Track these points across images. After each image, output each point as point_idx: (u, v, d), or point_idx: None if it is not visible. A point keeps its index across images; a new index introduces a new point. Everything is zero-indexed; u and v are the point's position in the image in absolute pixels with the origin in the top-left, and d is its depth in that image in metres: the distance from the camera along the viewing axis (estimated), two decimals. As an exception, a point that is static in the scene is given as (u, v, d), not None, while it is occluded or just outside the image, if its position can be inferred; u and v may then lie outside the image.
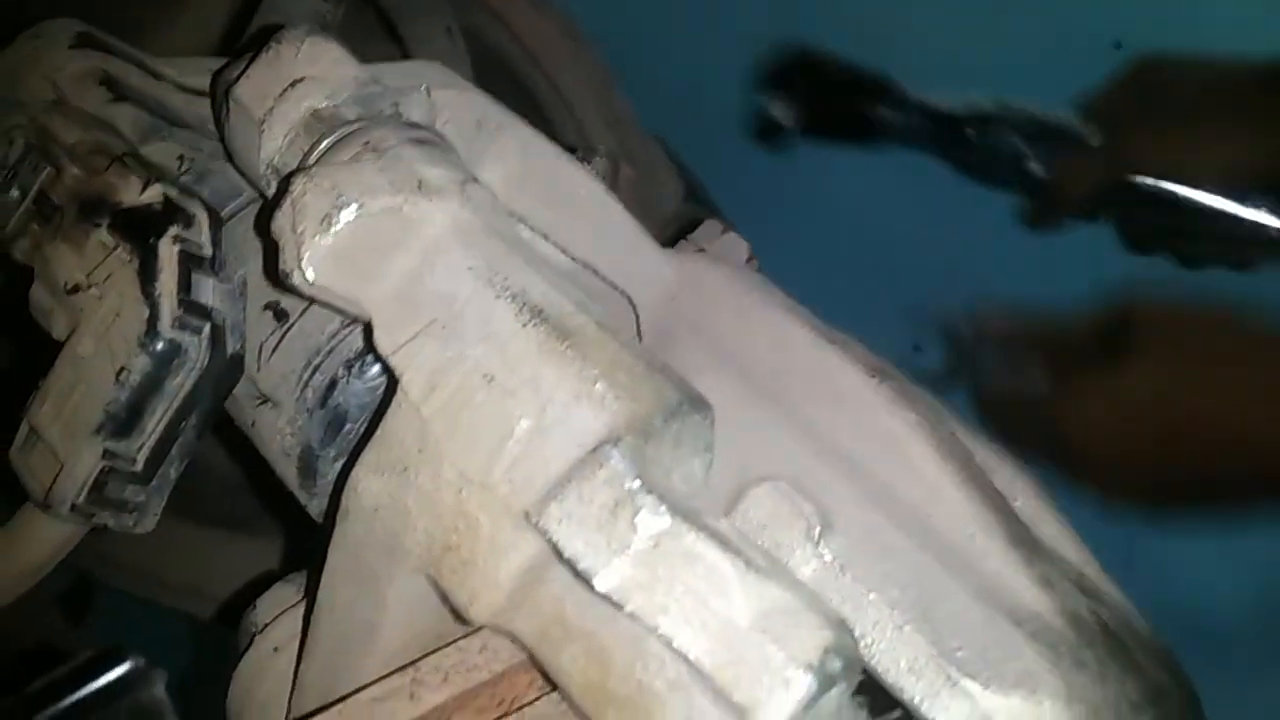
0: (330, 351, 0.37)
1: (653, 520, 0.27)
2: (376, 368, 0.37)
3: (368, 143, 0.33)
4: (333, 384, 0.36)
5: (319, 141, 0.34)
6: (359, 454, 0.36)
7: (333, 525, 0.33)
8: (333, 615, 0.33)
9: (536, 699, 0.31)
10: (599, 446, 0.28)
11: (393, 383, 0.32)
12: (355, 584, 0.32)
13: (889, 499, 0.34)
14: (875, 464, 0.35)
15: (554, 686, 0.31)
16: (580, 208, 0.40)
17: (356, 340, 0.37)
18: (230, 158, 0.37)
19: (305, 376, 0.37)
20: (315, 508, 0.38)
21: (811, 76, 0.88)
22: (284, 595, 0.40)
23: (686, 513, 0.27)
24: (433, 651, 0.31)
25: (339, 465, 0.37)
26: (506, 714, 0.30)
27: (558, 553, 0.28)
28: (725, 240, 0.48)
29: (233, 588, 0.59)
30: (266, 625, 0.39)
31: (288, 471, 0.38)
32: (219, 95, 0.37)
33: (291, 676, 0.36)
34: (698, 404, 0.30)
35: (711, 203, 0.70)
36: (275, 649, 0.37)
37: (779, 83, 0.98)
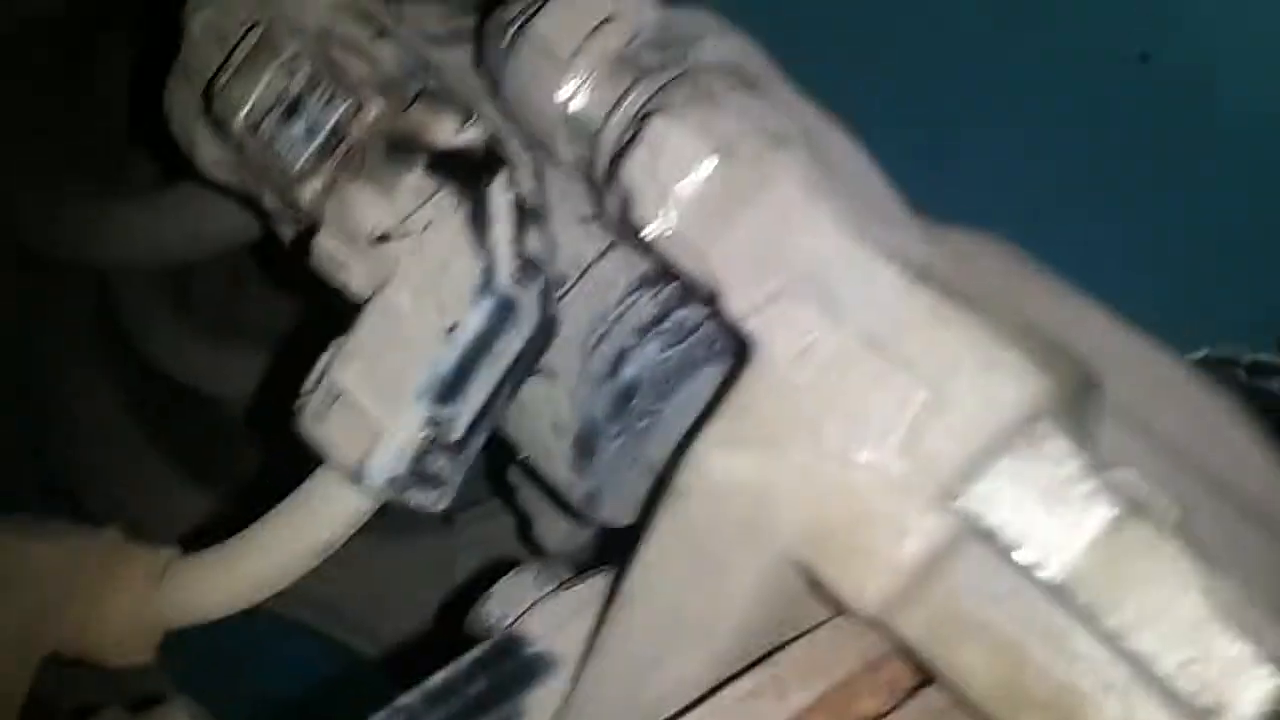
0: (619, 318, 0.34)
1: (1108, 503, 0.24)
2: (666, 337, 0.34)
3: (699, 87, 0.30)
4: (622, 353, 0.33)
5: (632, 85, 0.32)
6: (652, 422, 0.34)
7: (648, 505, 0.31)
8: (649, 609, 0.30)
9: (915, 690, 0.28)
10: (1031, 420, 0.25)
11: (739, 352, 0.29)
12: (690, 572, 0.29)
13: (1231, 489, 0.32)
14: (1204, 452, 0.33)
15: (919, 685, 0.28)
16: (850, 174, 0.38)
17: (646, 307, 0.34)
18: (502, 98, 0.34)
19: (591, 344, 0.34)
20: (582, 489, 0.35)
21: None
22: (521, 586, 0.37)
23: (1135, 498, 0.25)
24: (783, 645, 0.28)
25: (619, 443, 0.34)
26: (888, 711, 0.28)
27: (989, 537, 0.25)
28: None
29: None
30: (513, 619, 0.36)
31: (556, 449, 0.35)
32: (499, 33, 0.34)
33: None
34: (1096, 377, 0.28)
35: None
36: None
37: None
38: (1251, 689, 0.24)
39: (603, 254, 0.34)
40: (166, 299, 0.67)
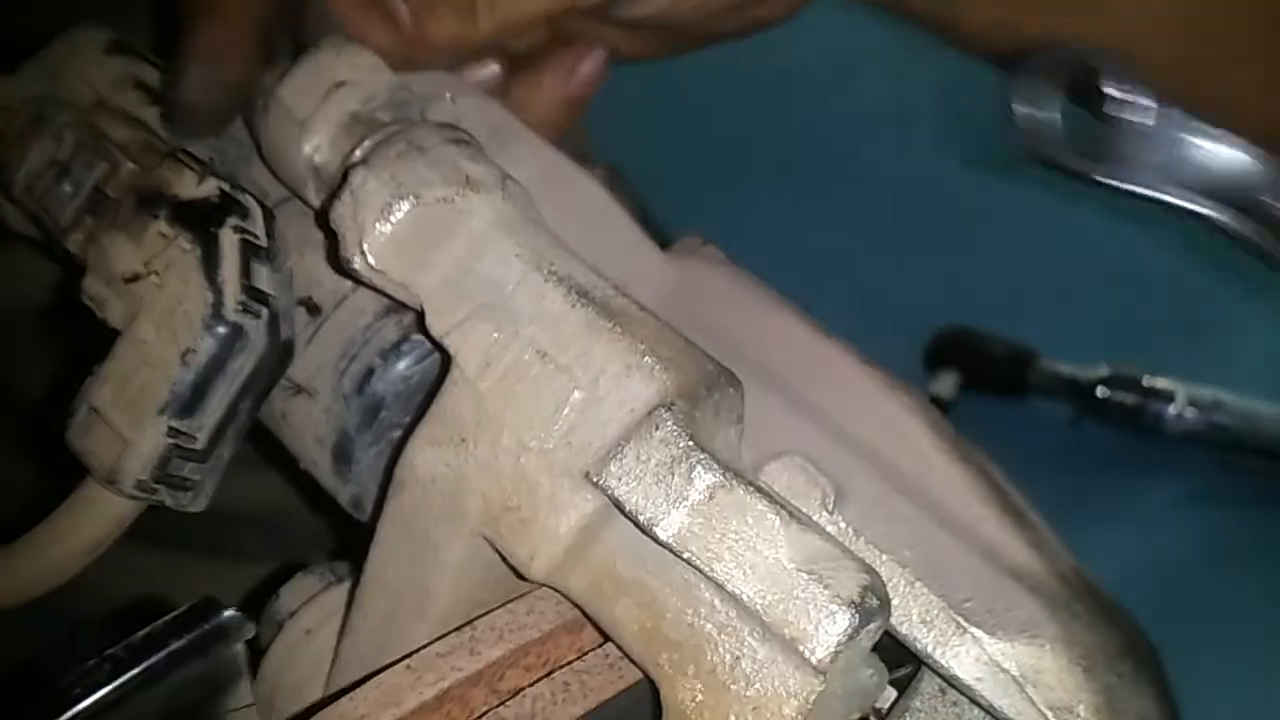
0: (366, 342, 0.39)
1: (706, 475, 0.30)
2: (409, 358, 0.39)
3: (411, 142, 0.35)
4: (369, 372, 0.38)
5: (361, 141, 0.37)
6: (401, 436, 0.38)
7: (379, 505, 0.36)
8: (384, 585, 0.35)
9: (584, 655, 0.33)
10: (652, 411, 0.31)
11: (444, 364, 0.34)
12: (408, 553, 0.34)
13: (893, 472, 0.37)
14: (878, 442, 0.38)
15: (599, 644, 0.33)
16: (587, 212, 0.43)
17: (390, 332, 0.39)
18: (262, 156, 0.39)
19: (342, 366, 0.39)
20: (346, 494, 0.40)
21: (972, 351, 1.24)
22: (308, 584, 0.42)
23: (734, 469, 0.30)
24: (485, 614, 0.33)
25: (374, 450, 0.39)
26: (558, 667, 0.32)
27: (619, 507, 0.30)
28: (706, 251, 0.51)
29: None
30: (295, 611, 0.40)
31: (320, 458, 0.40)
32: (257, 99, 0.39)
33: (327, 657, 0.38)
34: (732, 378, 0.33)
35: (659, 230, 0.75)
36: (308, 631, 0.39)
37: (945, 359, 1.32)
38: (829, 624, 0.29)
39: (355, 288, 0.39)
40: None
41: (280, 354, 0.35)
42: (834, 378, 0.40)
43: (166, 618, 0.27)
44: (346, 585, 0.40)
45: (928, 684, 0.36)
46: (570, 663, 0.33)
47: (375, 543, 0.35)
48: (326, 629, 0.38)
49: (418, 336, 0.39)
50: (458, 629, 0.33)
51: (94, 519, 0.34)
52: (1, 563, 0.34)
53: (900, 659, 0.36)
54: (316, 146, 0.37)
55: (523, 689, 0.32)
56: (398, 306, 0.39)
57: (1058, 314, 1.42)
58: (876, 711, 0.35)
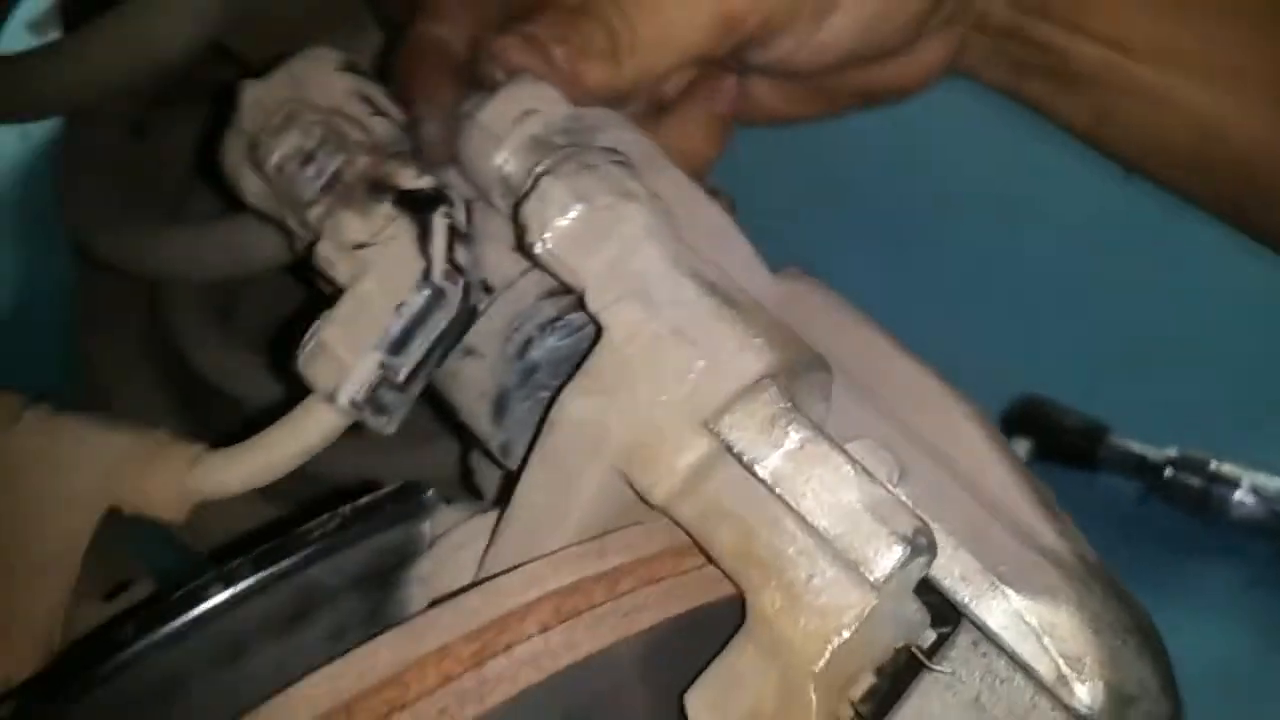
0: (528, 318, 0.48)
1: (799, 430, 0.38)
2: (561, 333, 0.48)
3: (584, 161, 0.45)
4: (529, 341, 0.48)
5: (542, 157, 0.46)
6: (548, 395, 0.47)
7: (531, 444, 0.44)
8: (530, 506, 0.44)
9: (687, 572, 0.41)
10: (760, 379, 0.39)
11: (596, 335, 0.43)
12: (554, 480, 0.43)
13: (948, 461, 0.45)
14: (939, 438, 0.46)
15: (700, 566, 0.42)
16: (712, 231, 0.52)
17: (548, 311, 0.48)
18: (460, 167, 0.49)
19: (507, 335, 0.48)
20: (498, 440, 0.49)
21: (1046, 422, 1.34)
22: (454, 514, 0.51)
23: (821, 429, 0.38)
24: (609, 532, 0.42)
25: (525, 405, 0.48)
26: (666, 578, 0.41)
27: (729, 449, 0.39)
28: (806, 277, 0.59)
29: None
30: (446, 532, 0.49)
31: (480, 410, 0.49)
32: (462, 114, 0.49)
33: (472, 568, 0.47)
34: (823, 364, 0.42)
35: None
36: (459, 546, 0.48)
37: (1019, 427, 1.42)
38: (885, 553, 0.37)
39: (522, 274, 0.49)
40: (213, 317, 0.82)
41: (467, 317, 0.44)
42: (907, 383, 0.48)
43: (382, 490, 0.36)
44: (489, 514, 0.49)
45: (963, 637, 0.43)
46: (676, 576, 0.41)
47: (526, 472, 0.44)
48: (473, 546, 0.47)
49: (569, 317, 0.48)
50: (587, 540, 0.41)
51: (312, 427, 0.43)
52: (239, 454, 0.44)
53: (944, 617, 0.43)
54: (506, 159, 0.47)
55: (635, 589, 0.40)
56: (554, 292, 0.48)
57: (1133, 390, 1.46)
58: (919, 648, 0.42)
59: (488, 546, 0.45)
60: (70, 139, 0.83)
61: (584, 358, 0.46)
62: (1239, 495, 1.36)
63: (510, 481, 0.47)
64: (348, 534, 0.36)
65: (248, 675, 0.37)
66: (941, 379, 0.49)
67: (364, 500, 0.37)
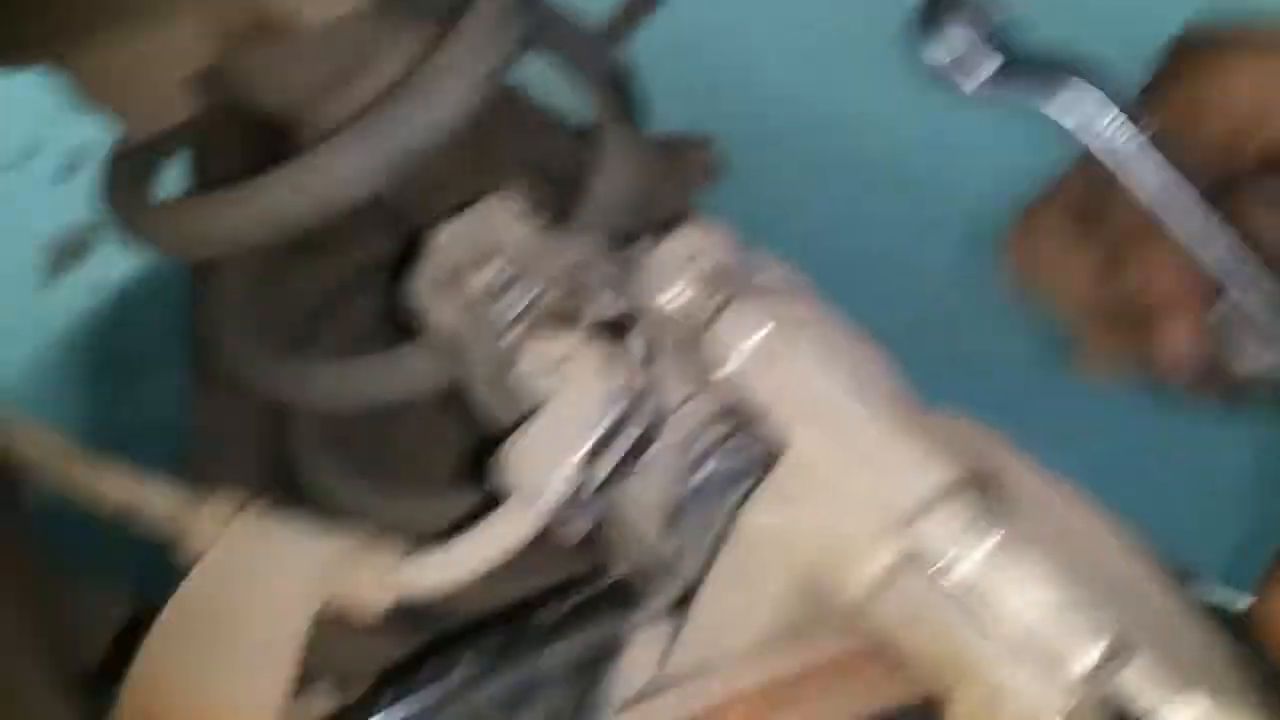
0: (700, 436, 0.51)
1: (992, 533, 0.41)
2: (729, 455, 0.51)
3: (759, 293, 0.49)
4: (704, 455, 0.50)
5: (716, 293, 0.50)
6: (714, 510, 0.50)
7: (711, 556, 0.47)
8: (711, 611, 0.46)
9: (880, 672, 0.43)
10: (949, 487, 0.42)
11: (769, 454, 0.46)
12: (737, 586, 0.45)
13: (1109, 575, 0.47)
14: (1096, 554, 0.48)
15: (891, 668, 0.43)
16: (848, 353, 0.55)
17: (718, 430, 0.51)
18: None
19: (681, 452, 0.51)
20: (669, 545, 0.51)
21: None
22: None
23: (1013, 532, 0.41)
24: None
25: (699, 514, 0.51)
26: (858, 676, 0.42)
27: (924, 555, 0.41)
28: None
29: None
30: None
31: (652, 520, 0.51)
32: (633, 254, 0.53)
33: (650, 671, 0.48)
34: (999, 480, 0.44)
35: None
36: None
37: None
38: (1085, 649, 0.39)
39: (687, 399, 0.52)
40: (327, 440, 0.85)
41: (655, 430, 0.47)
42: (1065, 508, 0.50)
43: (602, 585, 0.39)
44: (659, 623, 0.50)
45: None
46: (866, 676, 0.43)
47: (709, 579, 0.46)
48: (649, 650, 0.49)
49: (736, 439, 0.51)
50: (771, 644, 0.44)
51: (510, 532, 0.46)
52: (443, 554, 0.46)
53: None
54: (678, 294, 0.51)
55: (828, 687, 0.42)
56: (720, 415, 0.51)
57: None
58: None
59: (667, 648, 0.47)
60: (212, 279, 0.88)
61: (751, 477, 0.49)
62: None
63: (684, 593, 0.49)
64: (572, 624, 0.39)
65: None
66: (1088, 501, 0.51)
67: (586, 592, 0.40)
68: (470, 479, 0.90)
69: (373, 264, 0.97)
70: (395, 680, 0.36)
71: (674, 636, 0.47)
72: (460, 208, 0.57)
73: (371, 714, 0.35)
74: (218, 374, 0.88)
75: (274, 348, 0.81)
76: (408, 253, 0.58)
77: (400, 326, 0.81)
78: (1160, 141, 0.51)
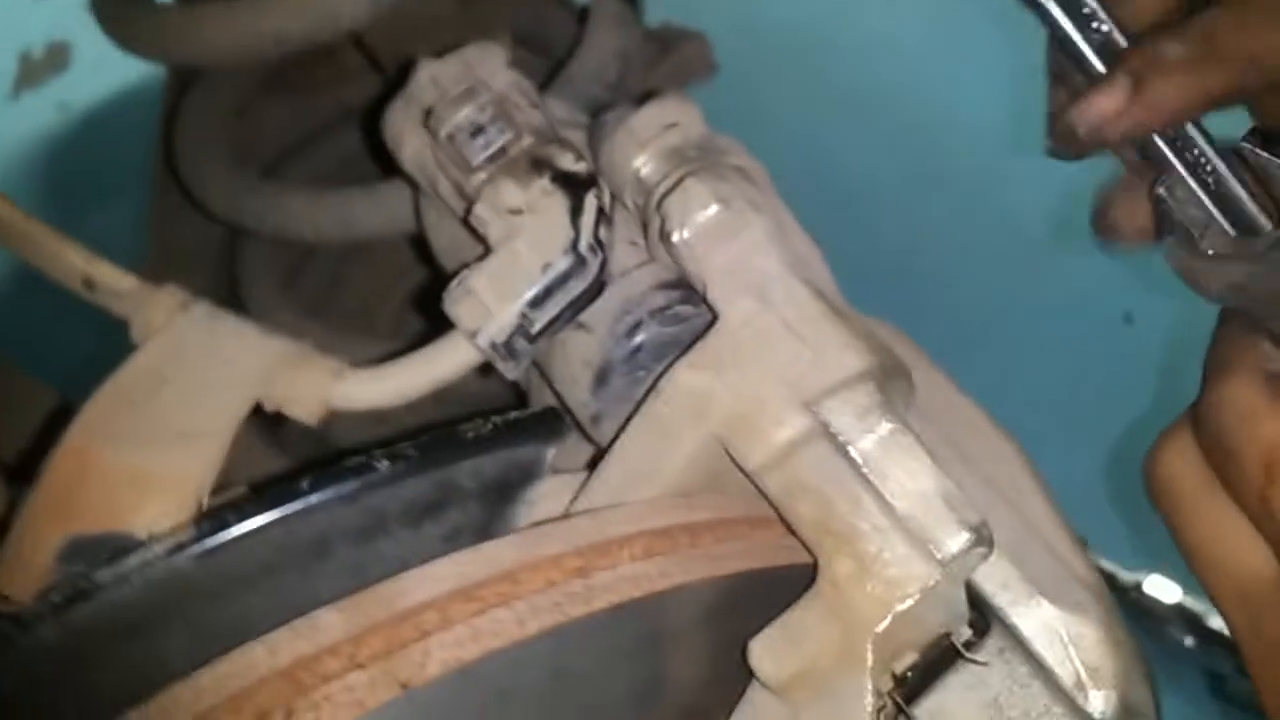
0: (639, 303, 0.54)
1: (891, 421, 0.44)
2: (667, 322, 0.54)
3: (720, 172, 0.51)
4: (638, 323, 0.53)
5: (679, 166, 0.52)
6: (644, 375, 0.53)
7: (634, 408, 0.50)
8: (625, 461, 0.48)
9: (766, 536, 0.46)
10: (861, 374, 0.45)
11: (708, 325, 0.48)
12: (653, 440, 0.48)
13: (998, 487, 0.51)
14: (990, 468, 0.52)
15: (778, 535, 0.47)
16: (809, 256, 0.58)
17: (659, 300, 0.54)
18: (598, 165, 0.55)
19: (618, 315, 0.53)
20: (590, 410, 0.54)
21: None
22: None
23: (908, 424, 0.44)
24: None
25: (623, 381, 0.53)
26: (740, 539, 0.46)
27: (826, 428, 0.44)
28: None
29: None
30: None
31: (581, 378, 0.54)
32: (607, 121, 0.55)
33: (560, 510, 0.51)
34: (909, 374, 0.47)
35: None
36: (547, 495, 0.52)
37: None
38: (952, 537, 0.42)
39: (639, 265, 0.54)
40: (277, 275, 0.87)
41: (598, 289, 0.50)
42: (962, 417, 0.54)
43: (528, 410, 0.42)
44: (572, 475, 0.53)
45: (991, 641, 0.48)
46: (753, 538, 0.46)
47: (626, 432, 0.49)
48: (559, 496, 0.52)
49: (677, 308, 0.53)
50: (676, 497, 0.47)
51: (449, 359, 0.48)
52: (378, 374, 0.49)
53: (974, 624, 0.48)
54: (645, 162, 0.53)
55: (719, 542, 0.45)
56: (666, 284, 0.54)
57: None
58: (953, 642, 0.47)
59: (579, 491, 0.50)
60: (186, 101, 0.89)
61: (685, 346, 0.52)
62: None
63: (597, 452, 0.52)
64: (496, 441, 0.41)
65: (377, 555, 0.42)
66: (991, 418, 0.55)
67: (514, 415, 0.42)
68: (409, 329, 0.93)
69: (347, 109, 0.98)
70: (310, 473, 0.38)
71: (582, 486, 0.50)
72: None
73: (293, 495, 0.37)
74: (179, 195, 0.89)
75: (243, 175, 0.82)
76: (386, 97, 0.59)
77: (367, 173, 0.82)
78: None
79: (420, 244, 0.66)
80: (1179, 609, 1.42)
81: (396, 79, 0.59)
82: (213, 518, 0.37)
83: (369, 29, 0.78)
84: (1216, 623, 1.40)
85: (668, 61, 0.93)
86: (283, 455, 0.81)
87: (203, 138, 0.82)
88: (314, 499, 0.38)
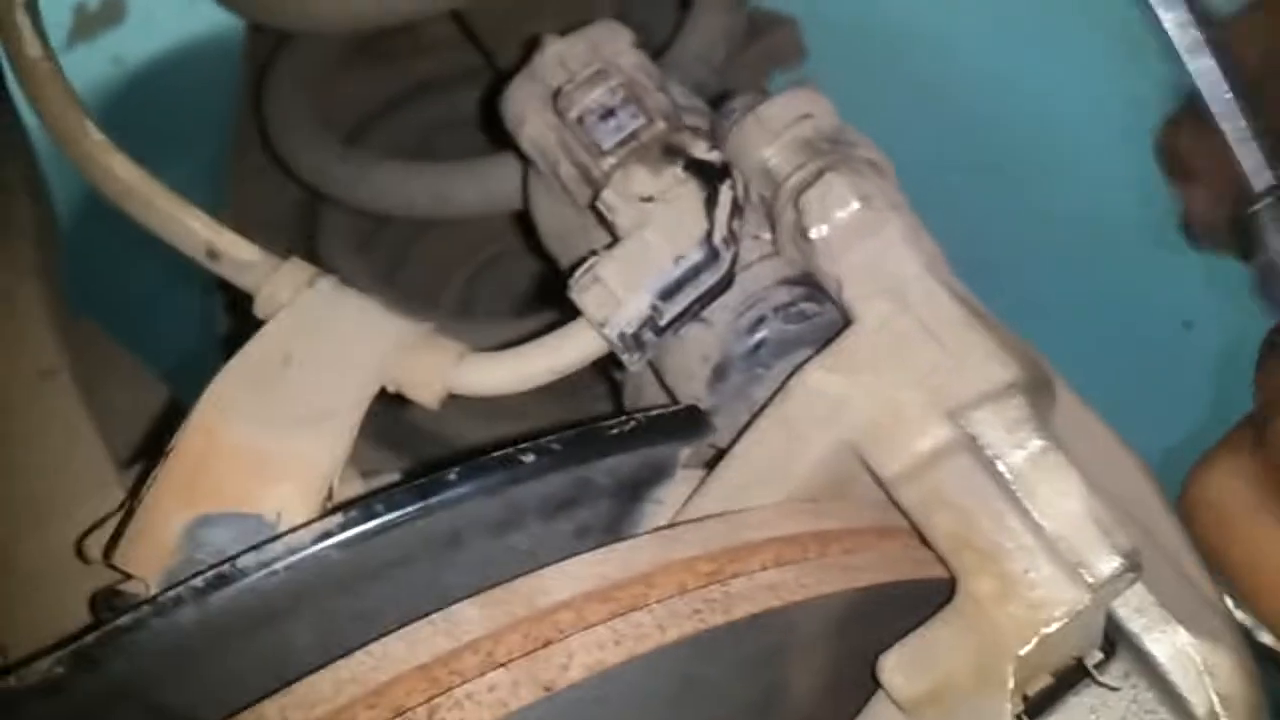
0: (762, 299, 0.52)
1: (1041, 438, 0.42)
2: (791, 320, 0.52)
3: (854, 168, 0.49)
4: (761, 319, 0.52)
5: (811, 159, 0.51)
6: (763, 373, 0.51)
7: (752, 407, 0.48)
8: (748, 462, 0.47)
9: (901, 548, 0.45)
10: (1008, 386, 0.43)
11: (840, 327, 0.47)
12: (780, 442, 0.46)
13: (1131, 510, 0.49)
14: (1116, 488, 0.50)
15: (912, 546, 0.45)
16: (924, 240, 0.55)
17: (783, 296, 0.52)
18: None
19: (740, 310, 0.52)
20: (708, 403, 0.53)
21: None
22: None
23: (1058, 442, 0.43)
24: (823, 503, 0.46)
25: (742, 377, 0.52)
26: (869, 550, 0.44)
27: (974, 440, 0.43)
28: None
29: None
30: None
31: (699, 373, 0.52)
32: (735, 109, 0.53)
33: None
34: (1053, 389, 0.46)
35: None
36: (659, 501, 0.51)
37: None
38: (1104, 560, 0.41)
39: (761, 259, 0.53)
40: (354, 242, 0.86)
41: (727, 283, 0.48)
42: (1096, 437, 0.52)
43: (669, 407, 0.40)
44: (691, 470, 0.52)
45: (1118, 665, 0.47)
46: (885, 549, 0.45)
47: (750, 431, 0.47)
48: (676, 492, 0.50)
49: (802, 305, 0.52)
50: (805, 501, 0.45)
51: (573, 348, 0.47)
52: (501, 359, 0.47)
53: (1104, 649, 0.47)
54: (775, 153, 0.52)
55: (851, 552, 0.44)
56: (790, 280, 0.52)
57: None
58: (1083, 665, 0.46)
59: (695, 491, 0.49)
60: (276, 65, 0.87)
61: (809, 345, 0.50)
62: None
63: (717, 453, 0.51)
64: (639, 438, 0.40)
65: (508, 549, 0.41)
66: (1117, 435, 0.53)
67: (655, 412, 0.41)
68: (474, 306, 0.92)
69: (424, 82, 0.97)
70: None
71: (700, 485, 0.48)
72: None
73: (442, 486, 0.36)
74: (261, 158, 0.88)
75: (332, 143, 0.81)
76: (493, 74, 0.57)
77: (444, 147, 0.81)
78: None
79: (522, 221, 0.65)
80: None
81: (491, 56, 0.58)
82: (360, 506, 0.36)
83: (469, 3, 0.77)
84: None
85: (757, 45, 0.92)
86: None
87: (292, 103, 0.81)
88: (461, 490, 0.37)
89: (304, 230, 0.91)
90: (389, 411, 0.48)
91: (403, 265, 0.96)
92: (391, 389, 0.47)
